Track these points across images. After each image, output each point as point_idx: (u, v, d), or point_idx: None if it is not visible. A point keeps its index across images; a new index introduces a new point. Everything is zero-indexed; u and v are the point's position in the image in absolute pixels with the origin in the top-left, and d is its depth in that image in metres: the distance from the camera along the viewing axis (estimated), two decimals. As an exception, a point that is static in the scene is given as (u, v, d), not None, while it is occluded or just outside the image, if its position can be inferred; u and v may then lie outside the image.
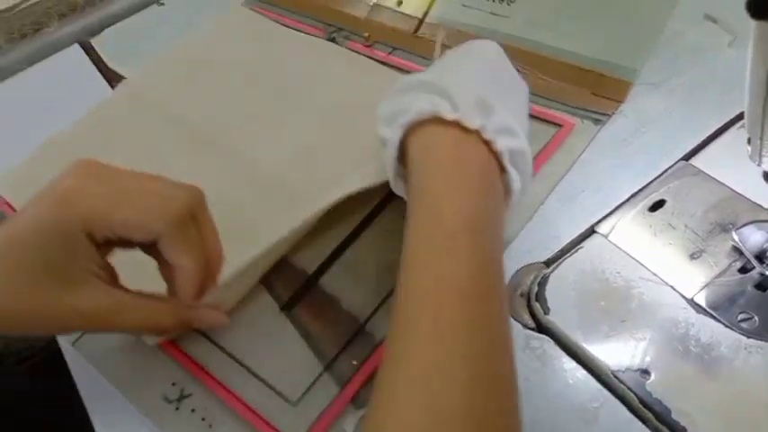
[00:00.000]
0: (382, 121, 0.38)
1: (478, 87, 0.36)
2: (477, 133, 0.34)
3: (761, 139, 0.31)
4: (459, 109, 0.35)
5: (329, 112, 0.54)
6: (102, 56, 0.66)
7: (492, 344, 0.29)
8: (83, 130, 0.57)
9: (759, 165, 0.33)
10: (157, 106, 0.58)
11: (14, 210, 0.52)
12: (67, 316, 0.34)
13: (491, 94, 0.36)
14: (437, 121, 0.35)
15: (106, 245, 0.35)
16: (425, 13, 0.60)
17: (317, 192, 0.45)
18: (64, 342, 0.43)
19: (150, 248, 0.36)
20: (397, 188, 0.39)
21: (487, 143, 0.34)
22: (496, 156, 0.35)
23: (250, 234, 0.43)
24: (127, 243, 0.36)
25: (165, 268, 0.37)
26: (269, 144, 0.52)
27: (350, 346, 0.40)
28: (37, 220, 0.33)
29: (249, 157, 0.52)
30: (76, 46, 0.67)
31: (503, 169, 0.35)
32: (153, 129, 0.56)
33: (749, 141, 0.32)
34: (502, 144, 0.34)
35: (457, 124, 0.34)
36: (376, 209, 0.46)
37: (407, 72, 0.56)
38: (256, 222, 0.46)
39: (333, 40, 0.62)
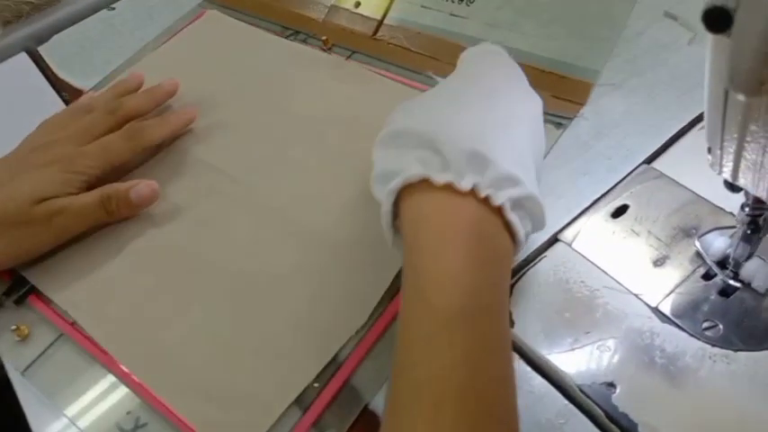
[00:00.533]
0: (375, 178, 0.36)
1: (473, 132, 0.34)
2: (471, 192, 0.32)
3: (720, 149, 0.30)
4: (450, 166, 0.33)
5: (324, 125, 0.52)
6: (50, 64, 0.63)
7: None
8: None
9: (719, 174, 0.32)
10: None
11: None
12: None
13: (490, 133, 0.34)
14: (428, 184, 0.33)
15: None
16: (384, 15, 0.59)
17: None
18: (13, 371, 0.42)
19: None
20: (396, 249, 0.36)
21: (485, 199, 0.32)
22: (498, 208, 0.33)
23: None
24: None
25: None
26: (264, 168, 0.50)
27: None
28: None
29: (244, 182, 0.49)
30: (23, 54, 0.64)
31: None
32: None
33: (709, 151, 0.32)
34: (501, 197, 0.32)
35: (449, 186, 0.33)
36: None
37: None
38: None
39: (290, 43, 0.60)
